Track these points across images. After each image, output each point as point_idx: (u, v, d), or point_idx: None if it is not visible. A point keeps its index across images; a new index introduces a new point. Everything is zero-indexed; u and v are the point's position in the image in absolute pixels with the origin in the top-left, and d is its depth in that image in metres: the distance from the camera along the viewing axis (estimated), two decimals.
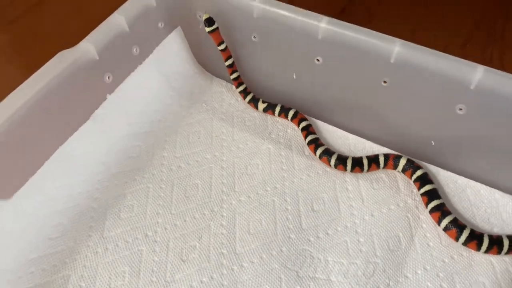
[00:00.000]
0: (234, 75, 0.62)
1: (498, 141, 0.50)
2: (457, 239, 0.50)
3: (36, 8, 0.84)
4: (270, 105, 0.63)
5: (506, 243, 0.49)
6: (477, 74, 0.47)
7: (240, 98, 0.65)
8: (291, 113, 0.61)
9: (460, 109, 0.49)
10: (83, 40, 0.51)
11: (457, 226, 0.50)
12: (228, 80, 0.66)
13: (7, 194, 0.46)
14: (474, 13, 0.78)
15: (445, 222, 0.50)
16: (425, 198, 0.53)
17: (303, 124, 0.60)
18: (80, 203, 0.54)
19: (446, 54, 0.48)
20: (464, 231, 0.49)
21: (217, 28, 0.58)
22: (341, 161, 0.56)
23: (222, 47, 0.59)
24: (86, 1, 0.85)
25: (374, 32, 0.51)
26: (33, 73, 0.48)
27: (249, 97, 0.63)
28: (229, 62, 0.61)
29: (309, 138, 0.59)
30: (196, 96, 0.65)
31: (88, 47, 0.51)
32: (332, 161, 0.56)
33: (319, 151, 0.57)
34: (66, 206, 0.53)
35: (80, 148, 0.53)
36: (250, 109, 0.64)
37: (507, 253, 0.49)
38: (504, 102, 0.47)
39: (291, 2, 0.56)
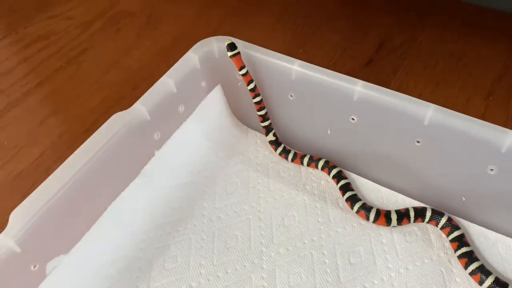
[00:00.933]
0: (262, 112, 0.65)
1: None
2: None
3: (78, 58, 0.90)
4: (305, 157, 0.66)
5: None
6: (508, 139, 0.50)
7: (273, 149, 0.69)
8: (321, 162, 0.64)
9: (491, 169, 0.52)
10: (136, 103, 0.55)
11: (500, 285, 0.51)
12: (262, 132, 0.70)
13: (66, 249, 0.49)
14: (497, 64, 0.82)
15: (472, 267, 0.52)
16: (463, 260, 0.54)
17: (334, 171, 0.63)
18: (128, 254, 0.56)
19: (477, 119, 0.52)
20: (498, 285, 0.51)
21: (238, 53, 0.60)
22: (381, 215, 0.58)
23: (243, 71, 0.62)
24: (124, 53, 0.91)
25: (408, 96, 0.54)
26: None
27: (280, 149, 0.67)
28: (251, 86, 0.63)
29: (341, 183, 0.61)
30: (233, 148, 0.68)
31: (140, 108, 0.55)
32: (371, 216, 0.59)
33: (356, 207, 0.60)
34: (115, 257, 0.56)
35: (129, 202, 0.56)
36: (284, 161, 0.68)
37: None
38: None
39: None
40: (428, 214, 0.58)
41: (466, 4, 0.90)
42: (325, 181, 0.65)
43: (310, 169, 0.67)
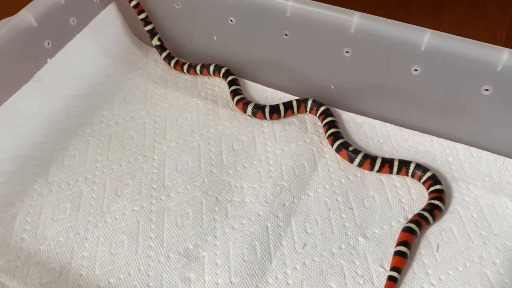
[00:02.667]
0: (148, 27, 0.70)
1: (382, 82, 0.60)
2: (351, 160, 0.59)
3: None
4: (197, 66, 0.70)
5: (396, 163, 0.58)
6: (354, 20, 0.56)
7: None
8: (212, 67, 0.70)
9: (347, 52, 0.59)
10: (22, 9, 0.58)
11: (354, 152, 0.59)
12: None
13: None
14: None
15: (336, 143, 0.59)
16: (326, 127, 0.62)
17: (223, 70, 0.69)
18: (26, 154, 0.61)
19: (333, 6, 0.58)
20: (359, 154, 0.58)
21: None
22: (259, 109, 0.64)
23: (133, 3, 0.68)
24: None
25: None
26: None
27: (164, 54, 0.72)
28: (143, 16, 0.69)
29: (233, 88, 0.67)
30: (133, 64, 0.73)
31: (26, 15, 0.58)
32: (249, 109, 0.64)
33: (236, 99, 0.66)
34: (13, 155, 0.60)
35: (24, 105, 0.60)
36: (182, 73, 0.72)
37: (397, 173, 0.58)
38: (381, 47, 0.56)
39: None
40: (309, 103, 0.65)
41: None
42: (218, 87, 0.71)
43: (206, 78, 0.72)
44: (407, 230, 0.52)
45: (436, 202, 0.54)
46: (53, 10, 0.61)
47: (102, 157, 0.62)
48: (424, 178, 0.56)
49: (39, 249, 0.54)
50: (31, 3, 0.59)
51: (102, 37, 0.70)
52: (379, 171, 0.58)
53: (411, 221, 0.52)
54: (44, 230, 0.55)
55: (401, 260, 0.50)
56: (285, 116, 0.65)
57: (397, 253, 0.50)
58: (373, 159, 0.58)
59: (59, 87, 0.64)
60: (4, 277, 0.51)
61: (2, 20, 0.57)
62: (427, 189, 0.56)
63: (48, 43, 0.62)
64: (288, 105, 0.65)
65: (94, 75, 0.69)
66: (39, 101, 0.62)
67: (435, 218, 0.53)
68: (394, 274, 0.49)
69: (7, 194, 0.58)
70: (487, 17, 0.86)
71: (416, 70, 0.56)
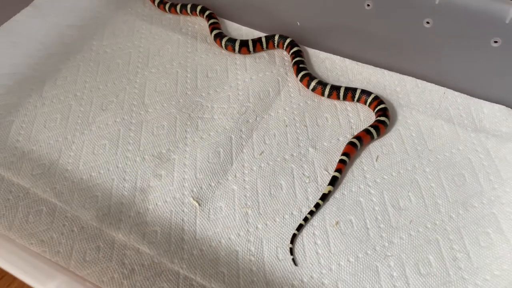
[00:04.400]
0: None
1: (341, 21, 0.67)
2: (308, 86, 0.66)
3: None
4: (177, 5, 0.77)
5: (342, 90, 0.65)
6: None
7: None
8: (194, 7, 0.76)
9: None
10: None
11: (310, 78, 0.66)
12: None
13: None
14: None
15: (301, 74, 0.67)
16: (293, 55, 0.69)
17: (208, 13, 0.76)
18: (23, 72, 0.69)
19: None
20: (313, 80, 0.66)
21: None
22: (231, 42, 0.71)
23: None
24: None
25: None
26: None
27: (157, 1, 0.78)
28: None
29: (210, 22, 0.74)
30: (123, 2, 0.80)
31: None
32: (223, 42, 0.72)
33: (213, 34, 0.73)
34: (12, 71, 0.68)
35: (22, 28, 0.68)
36: (167, 13, 0.79)
37: (344, 98, 0.65)
38: None
39: None
40: (276, 38, 0.72)
41: None
42: (198, 25, 0.78)
43: (188, 18, 0.79)
44: (350, 143, 0.59)
45: (382, 118, 0.61)
46: None
47: (91, 79, 0.70)
48: (369, 100, 0.64)
49: (32, 149, 0.62)
50: None
51: None
52: (328, 96, 0.66)
53: (355, 137, 0.60)
54: (36, 134, 0.63)
55: (342, 166, 0.58)
56: (254, 51, 0.72)
57: (340, 161, 0.58)
58: (324, 85, 0.65)
59: (54, 16, 0.72)
60: (0, 169, 0.59)
61: None
62: (373, 110, 0.64)
63: None
64: (257, 40, 0.72)
65: (87, 9, 0.76)
66: (36, 26, 0.69)
67: (379, 133, 0.61)
68: (336, 174, 0.57)
69: (5, 105, 0.66)
70: None
71: (368, 5, 0.63)
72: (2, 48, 0.65)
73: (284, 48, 0.72)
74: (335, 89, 0.65)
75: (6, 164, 0.60)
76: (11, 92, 0.67)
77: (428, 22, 0.60)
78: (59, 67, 0.71)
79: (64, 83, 0.69)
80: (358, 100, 0.65)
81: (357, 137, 0.60)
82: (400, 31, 0.64)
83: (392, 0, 0.60)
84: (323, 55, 0.72)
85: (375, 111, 0.63)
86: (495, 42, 0.58)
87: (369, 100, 0.64)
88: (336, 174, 0.57)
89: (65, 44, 0.73)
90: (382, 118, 0.61)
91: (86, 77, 0.70)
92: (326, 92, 0.65)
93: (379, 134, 0.61)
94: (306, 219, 0.54)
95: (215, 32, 0.73)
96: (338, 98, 0.65)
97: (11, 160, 0.60)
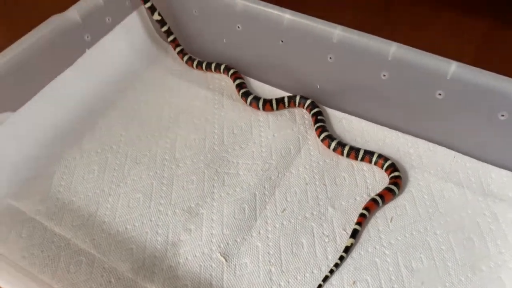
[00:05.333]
0: (164, 28, 0.83)
1: (358, 84, 0.72)
2: (329, 146, 0.71)
3: None
4: (203, 62, 0.84)
5: (361, 152, 0.70)
6: (336, 31, 0.69)
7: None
8: (216, 65, 0.83)
9: (330, 58, 0.71)
10: (70, 8, 0.73)
11: (331, 139, 0.71)
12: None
13: (13, 109, 0.67)
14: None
15: (322, 135, 0.72)
16: (314, 117, 0.75)
17: (232, 72, 0.82)
18: (64, 125, 0.74)
19: (318, 19, 0.70)
20: (334, 141, 0.71)
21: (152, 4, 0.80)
22: (255, 100, 0.77)
23: (148, 5, 0.81)
24: None
25: (269, 4, 0.73)
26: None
27: (186, 57, 0.85)
28: (158, 17, 0.81)
29: (237, 82, 0.80)
30: (154, 57, 0.87)
31: (74, 12, 0.73)
32: (248, 100, 0.78)
33: (241, 92, 0.79)
34: (53, 124, 0.73)
35: (65, 86, 0.74)
36: (194, 69, 0.86)
37: (362, 160, 0.70)
38: (357, 54, 0.68)
39: None
40: (298, 98, 0.78)
41: None
42: (224, 82, 0.84)
43: (215, 74, 0.85)
44: (362, 215, 0.64)
45: (392, 186, 0.66)
46: (94, 10, 0.75)
47: (126, 132, 0.76)
48: (386, 165, 0.69)
49: (72, 200, 0.67)
50: (77, 3, 0.73)
51: (131, 34, 0.84)
52: (347, 156, 0.71)
53: (365, 208, 0.64)
54: (76, 185, 0.69)
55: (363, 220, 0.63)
56: (277, 108, 0.78)
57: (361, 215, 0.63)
58: (343, 146, 0.71)
59: (93, 73, 0.78)
60: (43, 219, 0.65)
61: (53, 16, 0.71)
62: (388, 175, 0.68)
63: (87, 37, 0.76)
64: (280, 100, 0.78)
65: (123, 65, 0.83)
66: (77, 83, 0.76)
67: (384, 201, 0.65)
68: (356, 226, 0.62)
69: (47, 156, 0.71)
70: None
71: (384, 75, 0.68)
72: (46, 105, 0.71)
73: (305, 108, 0.77)
74: (354, 150, 0.70)
75: (49, 214, 0.65)
76: (53, 144, 0.72)
77: (440, 94, 0.66)
78: (96, 120, 0.77)
79: (101, 136, 0.75)
80: (375, 164, 0.70)
81: (366, 208, 0.64)
82: (414, 99, 0.69)
83: (406, 73, 0.66)
84: (340, 115, 0.77)
85: (389, 177, 0.68)
86: (502, 115, 0.63)
87: (385, 166, 0.68)
88: (357, 227, 0.61)
89: (103, 99, 0.79)
90: (392, 187, 0.66)
91: (121, 131, 0.76)
92: (345, 152, 0.70)
93: (384, 202, 0.65)
94: (325, 278, 0.58)
95: (240, 89, 0.79)
96: (356, 159, 0.70)
97: (53, 211, 0.66)
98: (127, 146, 0.74)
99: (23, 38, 0.68)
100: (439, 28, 1.00)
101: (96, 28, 0.77)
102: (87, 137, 0.75)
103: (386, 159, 0.69)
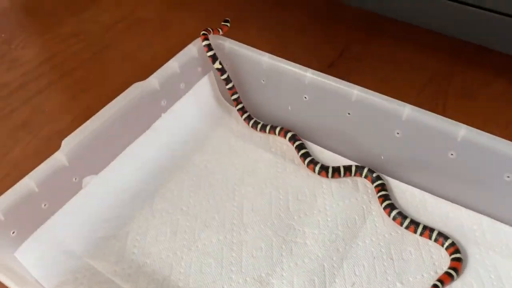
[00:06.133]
0: (234, 96, 0.88)
1: (424, 160, 0.75)
2: (401, 224, 0.72)
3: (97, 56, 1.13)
4: (267, 126, 0.87)
5: (420, 227, 0.71)
6: (406, 110, 0.71)
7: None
8: (281, 130, 0.86)
9: (398, 133, 0.74)
10: (151, 76, 0.78)
11: (392, 208, 0.73)
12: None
13: (96, 172, 0.71)
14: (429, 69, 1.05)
15: (384, 203, 0.74)
16: (377, 188, 0.77)
17: (292, 139, 0.85)
18: (136, 185, 0.78)
19: (388, 97, 0.74)
20: (407, 219, 0.72)
21: (213, 54, 0.84)
22: (324, 169, 0.80)
23: (216, 66, 0.84)
24: (138, 50, 1.14)
25: (340, 80, 0.77)
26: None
27: (252, 122, 0.89)
28: (224, 76, 0.85)
29: (301, 152, 0.83)
30: (219, 120, 0.91)
31: (154, 80, 0.78)
32: (317, 168, 0.80)
33: (307, 160, 0.82)
34: (127, 186, 0.77)
35: (141, 149, 0.78)
36: (256, 131, 0.89)
37: (421, 234, 0.71)
38: (425, 133, 0.71)
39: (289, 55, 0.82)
40: (365, 170, 0.80)
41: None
42: (286, 146, 0.87)
43: (277, 138, 0.89)
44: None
45: (450, 271, 0.66)
46: (171, 78, 0.80)
47: (195, 193, 0.79)
48: (446, 244, 0.70)
49: (146, 262, 0.70)
50: (157, 72, 0.78)
51: (200, 98, 0.88)
52: (407, 228, 0.72)
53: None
54: (149, 247, 0.71)
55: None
56: (344, 176, 0.80)
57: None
58: (404, 217, 0.72)
59: (166, 135, 0.82)
60: (120, 281, 0.67)
61: (135, 84, 0.76)
62: (449, 255, 0.69)
63: (164, 102, 0.81)
64: (347, 168, 0.80)
65: (191, 126, 0.87)
66: (151, 145, 0.80)
67: (443, 284, 0.65)
68: None
69: (122, 216, 0.75)
70: None
71: (452, 154, 0.71)
72: (123, 168, 0.75)
73: (371, 181, 0.79)
74: (414, 223, 0.72)
75: (125, 276, 0.68)
76: (126, 205, 0.76)
77: (508, 176, 0.67)
78: (167, 180, 0.80)
79: (171, 196, 0.78)
80: (435, 241, 0.71)
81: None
82: (481, 178, 0.71)
83: (475, 154, 0.68)
84: (403, 186, 0.79)
85: (450, 257, 0.69)
86: None
87: (446, 244, 0.70)
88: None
89: (173, 159, 0.83)
90: (451, 271, 0.66)
91: (190, 192, 0.79)
92: (405, 224, 0.72)
93: (443, 285, 0.66)
94: None
95: (305, 158, 0.81)
96: (415, 232, 0.72)
97: (128, 272, 0.68)
98: (196, 208, 0.77)
99: (109, 105, 0.73)
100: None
101: (172, 93, 0.82)
102: (158, 197, 0.78)
103: (446, 237, 0.70)
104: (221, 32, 0.87)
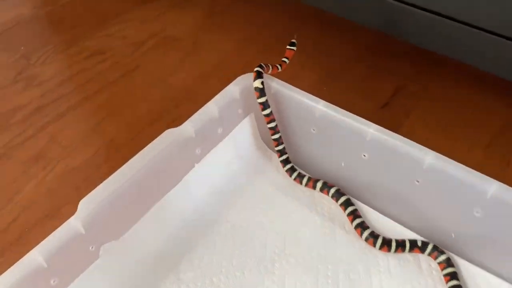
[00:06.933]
0: (280, 147, 0.75)
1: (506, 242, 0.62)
2: None
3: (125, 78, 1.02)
4: (317, 182, 0.75)
5: None
6: (493, 187, 0.59)
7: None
8: (332, 190, 0.74)
9: (477, 212, 0.62)
10: (185, 122, 0.66)
11: None
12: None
13: (117, 237, 0.60)
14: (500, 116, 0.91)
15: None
16: (447, 278, 0.64)
17: (342, 199, 0.73)
18: (163, 249, 0.67)
19: (470, 169, 0.61)
20: None
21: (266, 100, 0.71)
22: (374, 237, 0.68)
23: (261, 100, 0.71)
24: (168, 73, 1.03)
25: (409, 141, 0.64)
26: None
27: (294, 174, 0.76)
28: (267, 112, 0.72)
29: (354, 220, 0.70)
30: (258, 168, 0.79)
31: (189, 128, 0.66)
32: (378, 243, 0.68)
33: (355, 223, 0.69)
34: (153, 249, 0.66)
35: (170, 205, 0.67)
36: (299, 185, 0.77)
37: None
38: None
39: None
40: (429, 248, 0.67)
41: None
42: (334, 205, 0.75)
43: (324, 196, 0.76)
44: None
45: None
46: (209, 123, 0.69)
47: (227, 262, 0.67)
48: None
49: None
50: (193, 117, 0.67)
51: (238, 142, 0.77)
52: None
53: None
54: None
55: None
56: (409, 252, 0.68)
57: None
58: None
59: (197, 187, 0.71)
60: None
61: (167, 131, 0.65)
62: None
63: (198, 151, 0.69)
64: (413, 244, 0.67)
65: (226, 175, 0.75)
66: (181, 199, 0.69)
67: None
68: None
69: (142, 285, 0.64)
70: None
71: None
72: (148, 230, 0.64)
73: (436, 261, 0.67)
74: None
75: None
76: (150, 270, 0.65)
77: None
78: (196, 243, 0.69)
79: (200, 263, 0.67)
80: None
81: None
82: None
83: None
84: (474, 269, 0.67)
85: None
86: None
87: None
88: None
89: (203, 215, 0.71)
90: None
91: (222, 259, 0.67)
92: None
93: None
94: None
95: (361, 228, 0.69)
96: None
97: None
98: (229, 280, 0.65)
99: (135, 158, 0.62)
100: None
101: (208, 140, 0.71)
102: (185, 264, 0.66)
103: None
104: (280, 69, 0.74)
